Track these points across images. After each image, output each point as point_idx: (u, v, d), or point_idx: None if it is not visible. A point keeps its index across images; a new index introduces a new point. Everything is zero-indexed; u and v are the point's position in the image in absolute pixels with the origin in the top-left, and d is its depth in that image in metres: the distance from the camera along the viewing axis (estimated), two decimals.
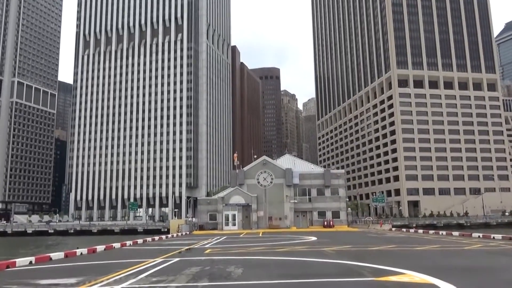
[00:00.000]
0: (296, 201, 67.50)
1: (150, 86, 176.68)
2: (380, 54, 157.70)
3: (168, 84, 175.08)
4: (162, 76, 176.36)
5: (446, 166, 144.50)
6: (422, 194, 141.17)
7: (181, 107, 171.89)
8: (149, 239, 39.56)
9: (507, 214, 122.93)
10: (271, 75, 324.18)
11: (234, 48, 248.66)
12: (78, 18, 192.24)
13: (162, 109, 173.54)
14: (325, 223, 65.05)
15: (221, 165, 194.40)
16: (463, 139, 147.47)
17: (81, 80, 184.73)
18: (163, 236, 45.92)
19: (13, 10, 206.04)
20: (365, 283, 11.51)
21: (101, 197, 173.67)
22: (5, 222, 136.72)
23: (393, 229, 56.77)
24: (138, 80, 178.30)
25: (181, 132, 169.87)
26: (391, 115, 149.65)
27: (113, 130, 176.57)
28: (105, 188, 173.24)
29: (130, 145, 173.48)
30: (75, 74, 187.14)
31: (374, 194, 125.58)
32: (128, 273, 14.04)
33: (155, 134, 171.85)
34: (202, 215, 67.52)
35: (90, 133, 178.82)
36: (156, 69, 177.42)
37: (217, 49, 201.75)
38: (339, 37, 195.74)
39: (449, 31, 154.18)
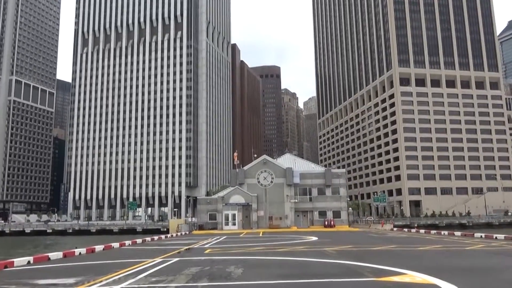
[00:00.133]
0: (296, 200, 67.35)
1: (149, 84, 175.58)
2: (382, 52, 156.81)
3: (168, 82, 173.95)
4: (162, 75, 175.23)
5: (448, 165, 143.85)
6: (424, 193, 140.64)
7: (180, 105, 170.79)
8: (148, 239, 39.47)
9: (509, 214, 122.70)
10: (272, 74, 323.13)
11: (234, 46, 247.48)
12: (77, 16, 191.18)
13: (161, 107, 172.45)
14: (326, 223, 65.10)
15: (221, 164, 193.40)
16: (465, 138, 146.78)
17: (80, 78, 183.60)
18: (163, 236, 45.82)
19: (10, 7, 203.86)
20: (366, 284, 11.44)
21: (100, 196, 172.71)
22: (3, 221, 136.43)
23: (395, 229, 56.53)
24: (137, 78, 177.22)
25: (180, 131, 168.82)
26: (393, 113, 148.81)
27: (112, 129, 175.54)
28: (104, 187, 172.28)
29: (129, 144, 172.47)
30: (74, 72, 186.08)
31: (375, 193, 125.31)
32: (127, 273, 14.00)
33: (155, 133, 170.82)
34: (201, 214, 67.46)
35: (88, 132, 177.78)
36: (156, 68, 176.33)
37: (217, 47, 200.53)
38: (340, 35, 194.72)
39: (451, 29, 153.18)
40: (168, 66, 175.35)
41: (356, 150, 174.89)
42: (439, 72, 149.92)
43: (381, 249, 23.08)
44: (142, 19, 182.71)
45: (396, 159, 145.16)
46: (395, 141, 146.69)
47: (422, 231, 45.14)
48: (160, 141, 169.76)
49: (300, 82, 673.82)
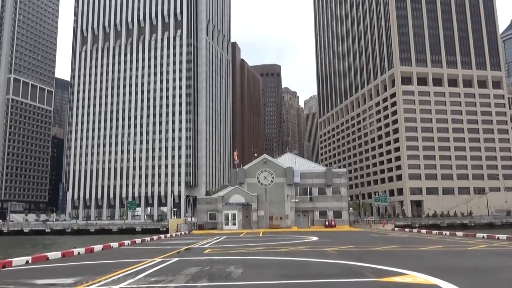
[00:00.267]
0: (297, 200, 67.22)
1: (148, 83, 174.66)
2: (383, 51, 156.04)
3: (167, 81, 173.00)
4: (161, 73, 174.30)
5: (450, 165, 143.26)
6: (425, 193, 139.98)
7: (180, 104, 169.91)
8: (147, 238, 39.41)
9: None
10: (272, 72, 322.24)
11: (234, 45, 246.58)
12: (76, 14, 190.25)
13: (161, 106, 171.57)
14: (327, 223, 65.05)
15: (221, 163, 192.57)
16: (468, 137, 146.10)
17: (79, 76, 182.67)
18: (162, 236, 45.74)
19: (9, 5, 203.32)
20: (367, 284, 11.38)
21: (99, 196, 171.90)
22: (1, 221, 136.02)
23: (396, 229, 56.36)
24: (137, 77, 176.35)
25: (180, 130, 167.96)
26: (394, 113, 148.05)
27: (111, 128, 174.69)
28: (103, 186, 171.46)
29: (129, 143, 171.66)
30: (73, 70, 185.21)
31: (376, 193, 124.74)
32: (126, 273, 13.95)
33: (154, 132, 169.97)
34: (201, 214, 67.40)
35: (87, 130, 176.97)
36: (155, 66, 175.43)
37: (217, 45, 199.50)
38: (341, 33, 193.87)
39: (453, 27, 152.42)
40: (168, 64, 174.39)
41: (357, 150, 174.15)
42: (441, 71, 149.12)
43: (382, 249, 22.96)
44: (141, 17, 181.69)
45: (398, 158, 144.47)
46: (396, 140, 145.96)
47: (423, 231, 45.07)
48: (160, 140, 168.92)
49: (301, 80, 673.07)
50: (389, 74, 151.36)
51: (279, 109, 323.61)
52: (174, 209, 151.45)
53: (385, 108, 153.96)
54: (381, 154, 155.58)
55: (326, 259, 17.50)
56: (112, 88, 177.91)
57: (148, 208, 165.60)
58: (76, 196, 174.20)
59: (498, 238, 30.98)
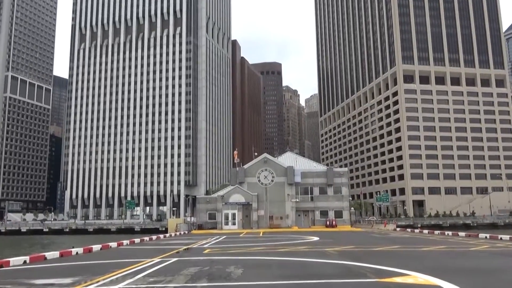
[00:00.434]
0: (297, 200, 67.12)
1: (147, 81, 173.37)
2: (385, 49, 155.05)
3: (167, 79, 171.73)
4: (160, 71, 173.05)
5: (453, 164, 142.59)
6: (427, 193, 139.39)
7: (179, 102, 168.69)
8: (146, 238, 39.37)
9: None
10: (273, 70, 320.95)
11: (234, 42, 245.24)
12: (74, 11, 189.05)
13: (160, 104, 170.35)
14: (328, 222, 64.61)
15: (220, 162, 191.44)
16: (470, 136, 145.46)
17: (77, 74, 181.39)
18: (161, 236, 45.83)
19: (6, 2, 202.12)
20: (368, 285, 11.32)
21: (97, 195, 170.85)
22: None
23: (398, 229, 56.24)
24: (136, 75, 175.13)
25: (179, 129, 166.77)
26: (396, 112, 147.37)
27: (109, 126, 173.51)
28: (101, 186, 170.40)
29: (127, 142, 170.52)
30: (71, 68, 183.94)
31: (378, 193, 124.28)
32: (125, 273, 13.90)
33: (153, 131, 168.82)
34: (201, 214, 67.27)
35: (86, 129, 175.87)
36: (154, 64, 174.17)
37: (217, 43, 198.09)
38: (342, 31, 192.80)
39: (456, 25, 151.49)
40: (167, 62, 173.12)
41: (359, 149, 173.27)
42: (443, 69, 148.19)
43: (383, 249, 22.92)
44: (140, 14, 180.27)
45: (400, 158, 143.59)
46: (398, 139, 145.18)
47: (425, 231, 45.01)
48: (159, 139, 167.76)
49: (302, 79, 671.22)
50: (391, 72, 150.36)
51: (279, 108, 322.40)
52: (174, 208, 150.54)
53: (387, 107, 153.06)
54: (382, 153, 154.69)
55: (327, 260, 17.47)
56: (111, 86, 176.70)
57: (147, 208, 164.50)
58: (74, 195, 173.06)
59: (501, 238, 30.78)
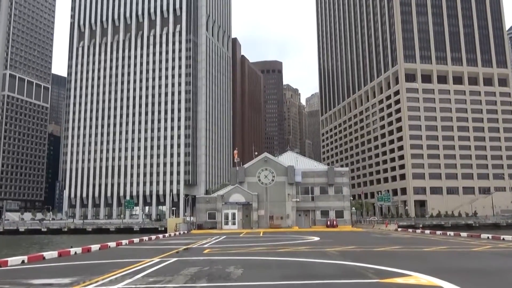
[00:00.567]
0: (298, 199, 66.46)
1: (147, 79, 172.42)
2: (387, 47, 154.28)
3: (166, 77, 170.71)
4: (160, 69, 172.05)
5: (455, 164, 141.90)
6: (429, 193, 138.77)
7: (179, 101, 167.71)
8: (145, 238, 39.08)
9: None
10: (273, 69, 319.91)
11: (234, 41, 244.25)
12: (73, 8, 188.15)
13: (159, 103, 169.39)
14: (328, 222, 64.17)
15: (220, 162, 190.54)
16: (473, 136, 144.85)
17: (76, 73, 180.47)
18: (160, 236, 45.72)
19: (4, 0, 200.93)
20: (369, 285, 11.29)
21: (96, 194, 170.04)
22: None
23: (399, 229, 56.09)
24: (135, 73, 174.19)
25: (179, 128, 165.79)
26: (398, 111, 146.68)
27: (108, 125, 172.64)
28: (100, 185, 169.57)
29: (126, 141, 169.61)
30: (69, 66, 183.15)
31: (379, 193, 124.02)
32: (124, 273, 13.90)
33: (152, 130, 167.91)
34: (200, 213, 66.70)
35: (84, 128, 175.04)
36: (154, 62, 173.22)
37: (217, 41, 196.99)
38: (344, 29, 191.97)
39: (459, 23, 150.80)
40: (167, 60, 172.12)
41: (360, 148, 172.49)
42: (446, 68, 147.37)
43: (385, 250, 22.90)
44: (140, 12, 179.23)
45: (401, 157, 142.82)
46: (400, 139, 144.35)
47: (427, 231, 44.88)
48: (158, 138, 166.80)
49: (303, 78, 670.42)
50: (393, 71, 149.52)
51: (280, 107, 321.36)
52: (173, 208, 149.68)
53: (389, 106, 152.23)
54: (384, 153, 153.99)
55: (327, 260, 17.46)
56: (110, 84, 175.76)
57: (146, 207, 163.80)
58: (73, 195, 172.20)
59: (503, 239, 30.55)
